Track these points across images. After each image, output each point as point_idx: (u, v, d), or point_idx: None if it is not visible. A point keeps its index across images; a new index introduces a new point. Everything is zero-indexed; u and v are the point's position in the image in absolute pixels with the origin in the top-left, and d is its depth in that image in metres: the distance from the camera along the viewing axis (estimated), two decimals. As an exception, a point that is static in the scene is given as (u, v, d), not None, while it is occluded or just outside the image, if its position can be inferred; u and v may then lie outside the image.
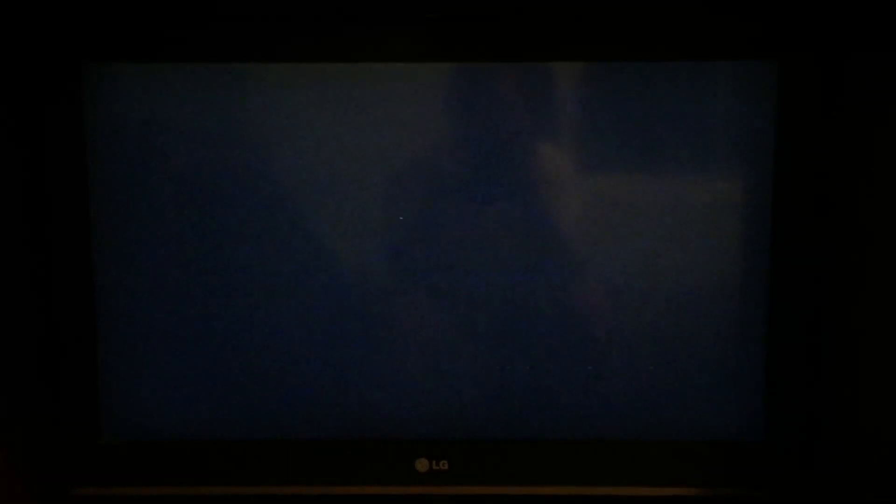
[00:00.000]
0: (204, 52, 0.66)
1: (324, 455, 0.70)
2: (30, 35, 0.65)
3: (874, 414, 0.62)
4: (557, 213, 0.68)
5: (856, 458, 0.64)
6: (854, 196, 0.64)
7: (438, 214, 0.68)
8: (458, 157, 0.67)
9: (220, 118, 0.67)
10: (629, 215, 0.68)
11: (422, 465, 0.70)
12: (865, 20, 0.63)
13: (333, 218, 0.68)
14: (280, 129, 0.67)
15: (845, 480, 0.66)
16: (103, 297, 0.68)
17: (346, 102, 0.66)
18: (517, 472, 0.70)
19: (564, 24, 0.65)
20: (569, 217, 0.68)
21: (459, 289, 0.68)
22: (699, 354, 0.69)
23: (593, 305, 0.69)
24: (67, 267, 0.68)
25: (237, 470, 0.70)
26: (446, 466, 0.70)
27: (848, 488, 0.65)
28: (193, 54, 0.66)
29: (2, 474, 0.66)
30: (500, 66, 0.66)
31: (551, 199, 0.68)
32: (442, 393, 0.70)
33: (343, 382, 0.70)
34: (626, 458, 0.69)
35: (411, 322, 0.69)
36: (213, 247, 0.68)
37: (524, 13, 0.65)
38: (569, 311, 0.69)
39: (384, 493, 0.70)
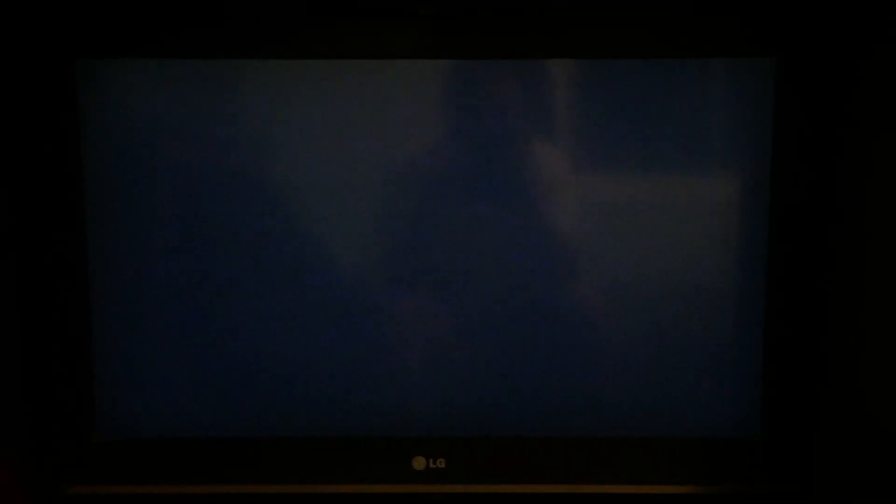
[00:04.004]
0: (198, 48, 0.65)
1: (320, 453, 0.70)
2: (24, 32, 0.65)
3: (871, 409, 0.63)
4: (553, 212, 0.68)
5: (853, 454, 0.64)
6: (851, 193, 0.65)
7: (435, 212, 0.67)
8: (454, 155, 0.67)
9: (215, 115, 0.67)
10: (625, 213, 0.68)
11: (419, 463, 0.70)
12: (863, 17, 0.63)
13: (330, 215, 0.67)
14: (276, 126, 0.66)
15: (842, 476, 0.66)
16: (98, 294, 0.68)
17: (343, 99, 0.66)
18: (514, 469, 0.70)
19: (561, 22, 0.65)
20: (565, 215, 0.68)
21: (456, 287, 0.68)
22: (696, 351, 0.69)
23: (590, 302, 0.69)
24: (62, 264, 0.67)
25: (232, 468, 0.70)
26: (443, 464, 0.70)
27: (845, 484, 0.66)
28: (188, 51, 0.66)
29: (-4, 473, 0.65)
30: (496, 64, 0.66)
31: (547, 197, 0.68)
32: (439, 391, 0.70)
33: (339, 380, 0.69)
34: (622, 455, 0.69)
35: (408, 320, 0.69)
36: (208, 244, 0.68)
37: (520, 10, 0.65)
38: (565, 309, 0.69)
39: (381, 491, 0.70)
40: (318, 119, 0.66)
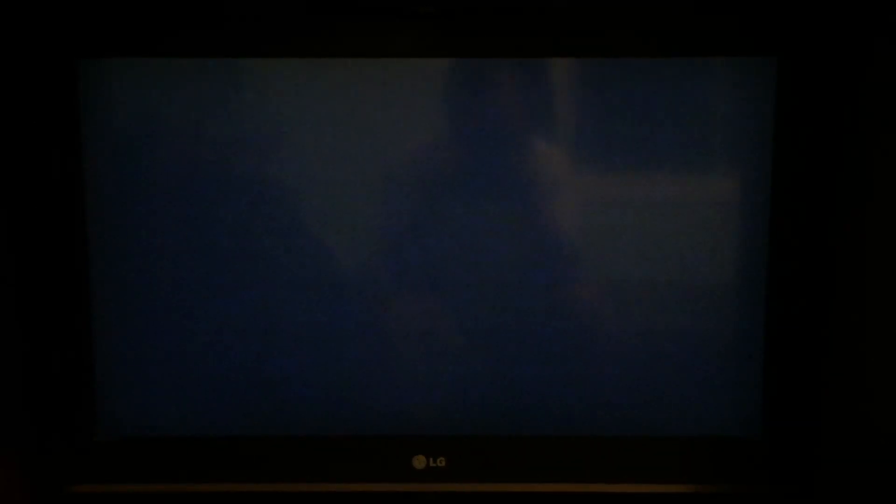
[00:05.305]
0: (199, 48, 0.66)
1: (320, 452, 0.70)
2: (25, 32, 0.65)
3: (872, 409, 0.63)
4: (554, 211, 0.68)
5: (853, 454, 0.64)
6: (852, 193, 0.64)
7: (435, 211, 0.67)
8: (454, 154, 0.67)
9: (216, 114, 0.67)
10: (626, 213, 0.67)
11: (419, 461, 0.70)
12: (864, 17, 0.63)
13: (330, 215, 0.67)
14: (277, 125, 0.66)
15: (842, 476, 0.66)
16: (98, 293, 0.68)
17: (344, 99, 0.66)
18: (515, 468, 0.70)
19: (561, 22, 0.65)
20: (565, 215, 0.68)
21: (456, 286, 0.68)
22: (697, 351, 0.69)
23: (590, 302, 0.69)
24: (63, 264, 0.67)
25: (233, 467, 0.70)
26: (444, 463, 0.70)
27: (845, 484, 0.65)
28: (188, 50, 0.66)
29: (-3, 472, 0.65)
30: (496, 64, 0.66)
31: (548, 197, 0.68)
32: (439, 389, 0.70)
33: (340, 379, 0.69)
34: (623, 454, 0.69)
35: (408, 319, 0.69)
36: (209, 243, 0.68)
37: (520, 10, 0.65)
38: (566, 308, 0.69)
39: (381, 490, 0.70)
40: (319, 118, 0.66)
